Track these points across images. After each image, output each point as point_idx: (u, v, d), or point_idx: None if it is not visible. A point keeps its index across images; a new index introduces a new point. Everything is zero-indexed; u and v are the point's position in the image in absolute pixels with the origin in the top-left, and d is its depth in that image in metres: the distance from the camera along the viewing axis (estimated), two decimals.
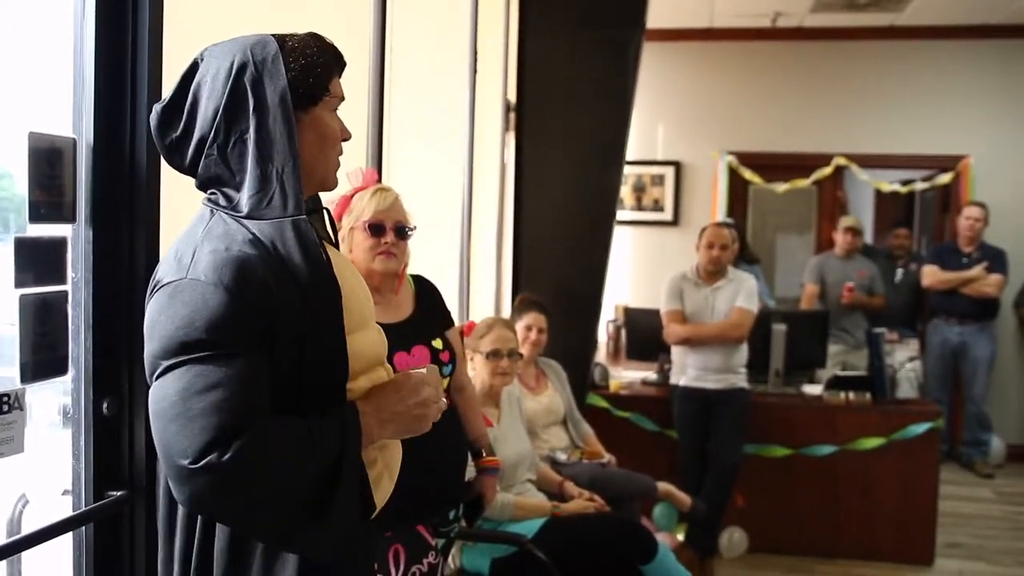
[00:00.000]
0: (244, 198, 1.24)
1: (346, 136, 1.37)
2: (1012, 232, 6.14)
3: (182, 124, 1.27)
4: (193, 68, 1.28)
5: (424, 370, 1.40)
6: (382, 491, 1.36)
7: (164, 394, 1.17)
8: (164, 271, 1.23)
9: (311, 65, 1.28)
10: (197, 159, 1.27)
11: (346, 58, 1.39)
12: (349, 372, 1.29)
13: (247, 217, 1.24)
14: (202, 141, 1.26)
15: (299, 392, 1.24)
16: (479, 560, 2.86)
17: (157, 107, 1.29)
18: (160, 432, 1.17)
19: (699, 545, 4.02)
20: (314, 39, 1.32)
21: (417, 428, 1.37)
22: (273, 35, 1.29)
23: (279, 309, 1.20)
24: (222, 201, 1.27)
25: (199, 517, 1.26)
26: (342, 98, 1.36)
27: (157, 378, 1.19)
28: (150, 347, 1.20)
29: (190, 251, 1.22)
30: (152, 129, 1.30)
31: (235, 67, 1.25)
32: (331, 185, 1.39)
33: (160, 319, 1.19)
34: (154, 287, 1.23)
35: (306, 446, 1.20)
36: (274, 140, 1.24)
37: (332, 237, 1.44)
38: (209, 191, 1.30)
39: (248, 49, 1.26)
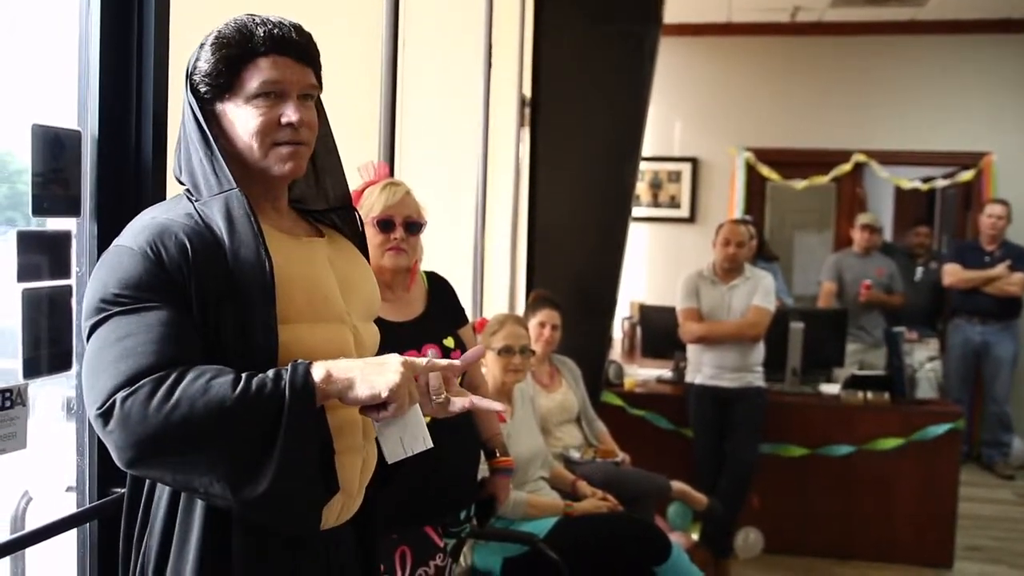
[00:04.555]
0: (199, 185, 1.31)
1: (290, 120, 1.30)
2: None
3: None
4: None
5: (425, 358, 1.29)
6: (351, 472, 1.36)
7: (87, 356, 1.18)
8: None
9: (224, 54, 1.29)
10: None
11: (305, 38, 1.33)
12: (276, 357, 1.22)
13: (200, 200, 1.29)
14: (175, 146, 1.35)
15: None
16: (491, 559, 2.84)
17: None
18: (83, 392, 1.17)
19: (714, 545, 3.99)
20: (235, 23, 1.31)
21: (375, 383, 1.19)
22: (217, 28, 1.33)
23: (199, 271, 1.20)
24: (191, 188, 1.33)
25: (142, 501, 1.26)
26: (271, 81, 1.30)
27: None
28: None
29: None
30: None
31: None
32: (274, 172, 1.33)
33: (88, 288, 1.23)
34: None
35: (235, 384, 1.12)
36: (193, 132, 1.30)
37: (361, 237, 1.51)
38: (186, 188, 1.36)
39: None
